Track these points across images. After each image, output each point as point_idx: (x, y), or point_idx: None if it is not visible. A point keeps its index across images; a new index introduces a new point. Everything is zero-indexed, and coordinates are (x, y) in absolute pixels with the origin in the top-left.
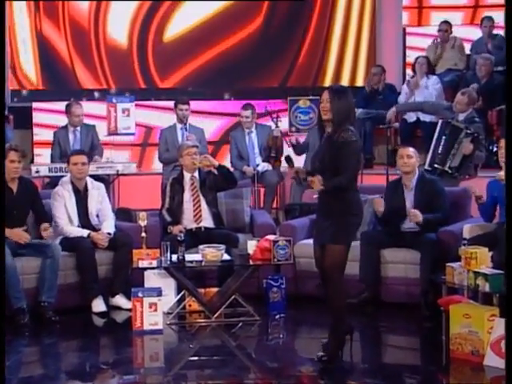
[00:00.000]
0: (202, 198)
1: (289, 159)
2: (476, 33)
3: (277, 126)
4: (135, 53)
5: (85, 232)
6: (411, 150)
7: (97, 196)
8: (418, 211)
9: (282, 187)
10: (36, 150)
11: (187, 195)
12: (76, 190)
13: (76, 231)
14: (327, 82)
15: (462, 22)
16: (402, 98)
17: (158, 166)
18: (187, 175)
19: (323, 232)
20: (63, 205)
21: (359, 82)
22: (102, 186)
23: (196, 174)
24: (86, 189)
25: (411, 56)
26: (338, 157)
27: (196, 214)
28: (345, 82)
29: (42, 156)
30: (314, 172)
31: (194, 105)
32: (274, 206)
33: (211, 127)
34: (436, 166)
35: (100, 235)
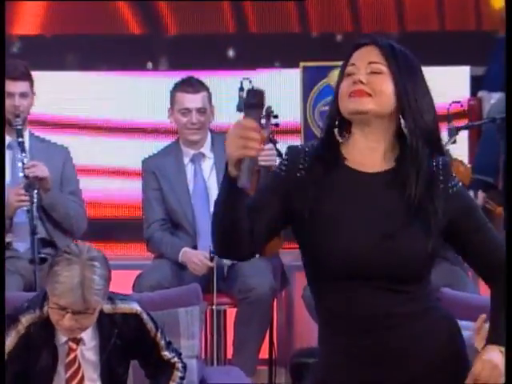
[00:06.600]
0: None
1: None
2: None
3: (272, 142)
4: None
5: None
6: None
7: None
8: None
9: (284, 303)
10: None
11: (61, 375)
12: None
13: None
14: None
15: None
16: None
17: None
18: (60, 335)
19: None
20: None
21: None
22: None
23: (88, 334)
24: None
25: None
26: (459, 229)
27: None
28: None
29: None
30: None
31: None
32: (263, 354)
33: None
34: None
35: None
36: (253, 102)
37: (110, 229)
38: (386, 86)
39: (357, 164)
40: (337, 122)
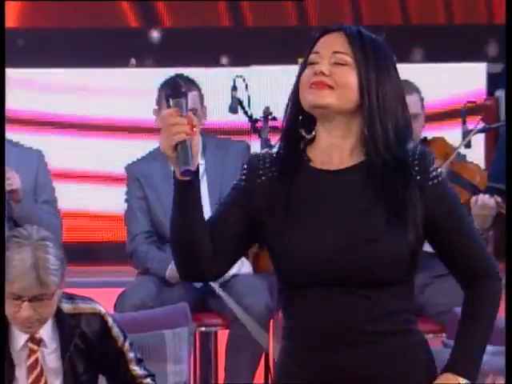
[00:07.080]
0: None
1: None
2: None
3: (268, 146)
4: None
5: None
6: None
7: None
8: None
9: (281, 324)
10: None
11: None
12: None
13: None
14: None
15: None
16: None
17: None
18: (20, 336)
19: None
20: None
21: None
22: None
23: (45, 331)
24: None
25: None
26: (437, 224)
27: None
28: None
29: None
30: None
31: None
32: (258, 380)
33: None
34: None
35: None
36: (170, 93)
37: (90, 249)
38: (350, 79)
39: (321, 163)
40: (301, 117)
